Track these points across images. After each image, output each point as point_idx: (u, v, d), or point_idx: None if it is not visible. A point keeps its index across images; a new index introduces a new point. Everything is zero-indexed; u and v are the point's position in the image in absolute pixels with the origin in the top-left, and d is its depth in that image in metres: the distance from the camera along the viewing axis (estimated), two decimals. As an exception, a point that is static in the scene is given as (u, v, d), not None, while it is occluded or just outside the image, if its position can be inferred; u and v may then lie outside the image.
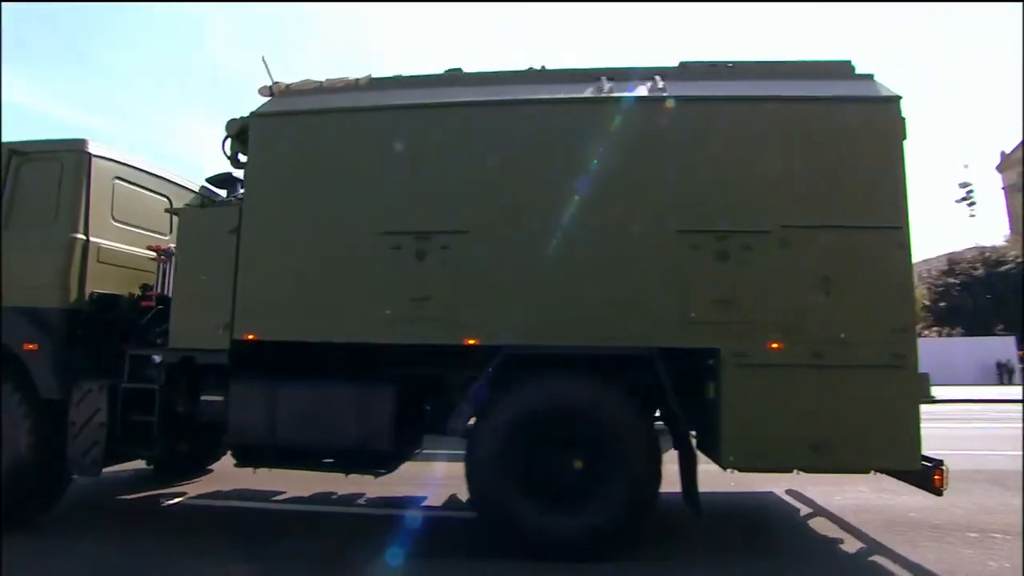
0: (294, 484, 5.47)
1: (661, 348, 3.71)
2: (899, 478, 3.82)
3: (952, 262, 36.39)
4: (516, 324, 3.79)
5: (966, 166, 63.97)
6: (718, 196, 3.80)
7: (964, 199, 32.81)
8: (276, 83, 4.59)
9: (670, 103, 3.91)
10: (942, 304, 34.64)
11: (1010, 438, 8.71)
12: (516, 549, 3.68)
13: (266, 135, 4.25)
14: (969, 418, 12.65)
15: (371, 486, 5.13)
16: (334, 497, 5.31)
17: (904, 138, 3.78)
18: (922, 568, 3.64)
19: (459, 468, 3.89)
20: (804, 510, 4.97)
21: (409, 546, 3.93)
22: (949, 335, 33.39)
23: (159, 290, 4.76)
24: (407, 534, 4.21)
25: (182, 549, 3.96)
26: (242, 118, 4.40)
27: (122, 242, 4.83)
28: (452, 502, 5.05)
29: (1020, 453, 6.70)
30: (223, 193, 5.40)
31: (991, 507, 4.91)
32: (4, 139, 4.69)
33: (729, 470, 3.63)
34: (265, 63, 4.64)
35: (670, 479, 3.80)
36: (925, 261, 51.06)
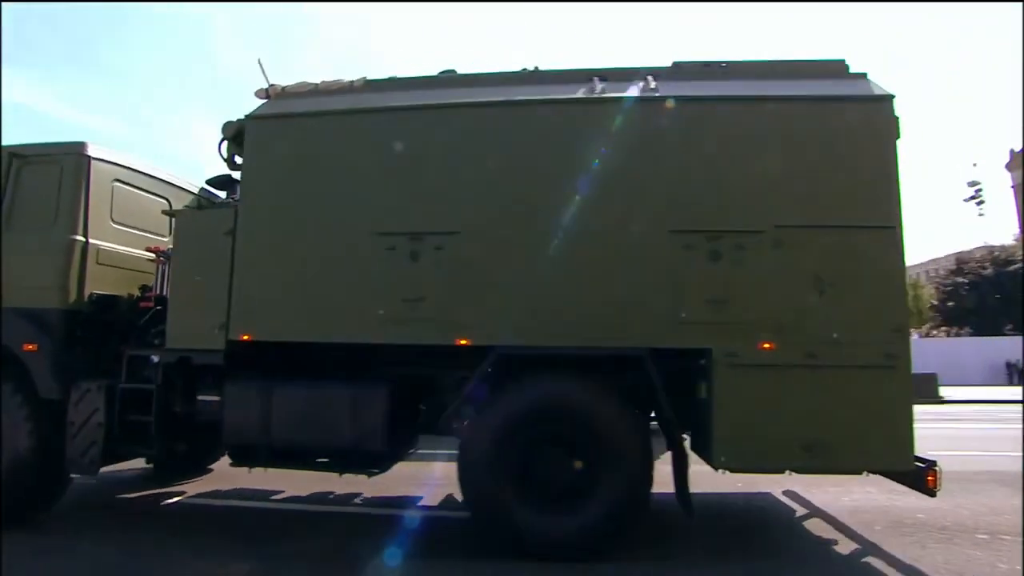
0: (292, 483, 5.51)
1: (653, 348, 3.71)
2: (893, 479, 3.79)
3: (961, 261, 36.07)
4: (508, 324, 3.81)
5: (975, 164, 63.25)
6: (711, 196, 3.79)
7: (973, 198, 32.41)
8: (272, 85, 4.62)
9: (662, 103, 3.91)
10: (950, 304, 34.35)
11: (1019, 439, 8.61)
12: (508, 549, 3.69)
13: (261, 137, 4.28)
14: (977, 419, 12.54)
15: (368, 486, 5.16)
16: (331, 497, 5.34)
17: (898, 137, 3.76)
18: (915, 569, 3.63)
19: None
20: (800, 511, 4.95)
21: (407, 546, 3.95)
22: (957, 335, 33.10)
23: (158, 291, 4.80)
24: (405, 534, 4.23)
25: (181, 548, 4.00)
26: (238, 121, 4.43)
27: (121, 244, 4.89)
28: (449, 502, 5.06)
29: (1021, 454, 6.63)
30: (223, 195, 5.44)
31: (1000, 508, 4.86)
32: (7, 141, 4.76)
33: (721, 471, 3.62)
34: (261, 66, 4.67)
35: (668, 480, 3.81)
36: (933, 260, 50.67)
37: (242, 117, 4.40)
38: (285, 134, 4.28)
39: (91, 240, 4.60)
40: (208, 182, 5.44)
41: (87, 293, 4.55)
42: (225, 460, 4.85)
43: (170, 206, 5.25)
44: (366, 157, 4.12)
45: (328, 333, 4.01)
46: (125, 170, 4.99)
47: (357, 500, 5.29)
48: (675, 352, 3.77)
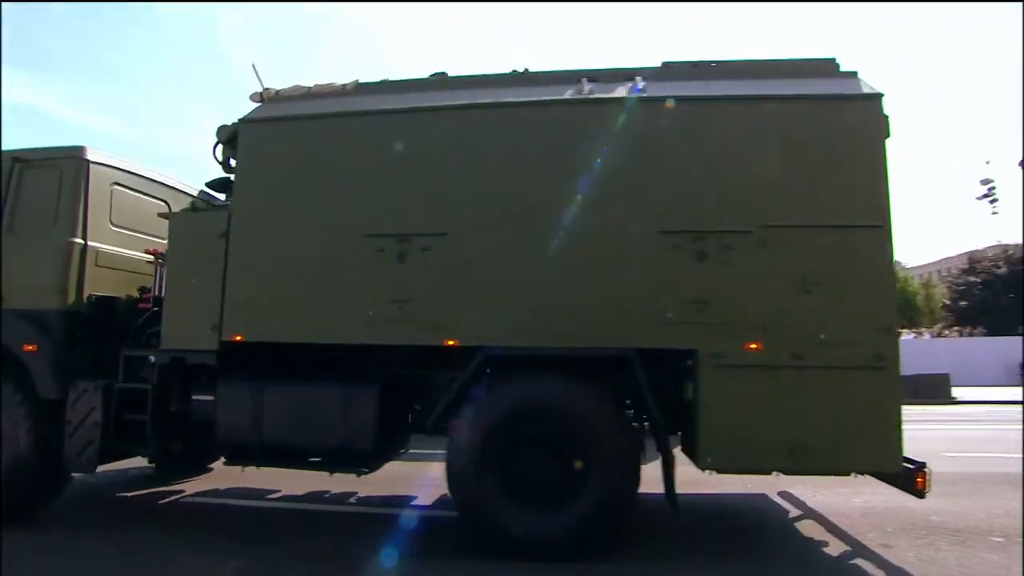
0: (289, 483, 5.57)
1: (641, 349, 3.71)
2: (883, 480, 3.76)
3: (973, 260, 35.49)
4: (495, 325, 3.83)
5: (988, 162, 62.11)
6: (698, 196, 3.79)
7: (986, 196, 31.91)
8: (266, 89, 4.68)
9: (650, 104, 3.91)
10: (963, 303, 33.82)
11: (1028, 440, 8.49)
12: (496, 549, 3.71)
13: (254, 140, 4.34)
14: (991, 420, 12.33)
15: (365, 485, 5.18)
16: (327, 496, 5.40)
17: (887, 136, 3.73)
18: (904, 571, 3.60)
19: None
20: (797, 512, 4.93)
21: (403, 545, 3.97)
22: (970, 335, 32.59)
23: (156, 292, 4.87)
24: (400, 533, 4.26)
25: (179, 547, 4.05)
26: (232, 124, 4.50)
27: (120, 246, 4.97)
28: (444, 502, 5.08)
29: (1021, 455, 6.54)
30: (222, 197, 5.52)
31: (1015, 511, 4.76)
32: (17, 144, 4.86)
33: (708, 471, 3.62)
34: (255, 70, 4.75)
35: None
36: (946, 259, 49.94)
37: (236, 121, 4.46)
38: (277, 137, 4.34)
39: (90, 243, 4.68)
40: (208, 184, 5.50)
41: (86, 295, 4.63)
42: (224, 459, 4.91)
43: (169, 208, 5.33)
44: (356, 160, 4.16)
45: (318, 334, 4.06)
46: (124, 173, 5.08)
47: (352, 500, 5.34)
48: (663, 353, 3.77)
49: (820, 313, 3.58)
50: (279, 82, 4.64)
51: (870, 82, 3.90)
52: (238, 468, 4.38)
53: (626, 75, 4.16)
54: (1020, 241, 33.30)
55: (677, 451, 3.98)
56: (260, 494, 5.48)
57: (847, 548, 4.01)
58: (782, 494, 5.36)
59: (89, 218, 4.70)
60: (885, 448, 3.48)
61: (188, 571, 3.67)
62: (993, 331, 30.17)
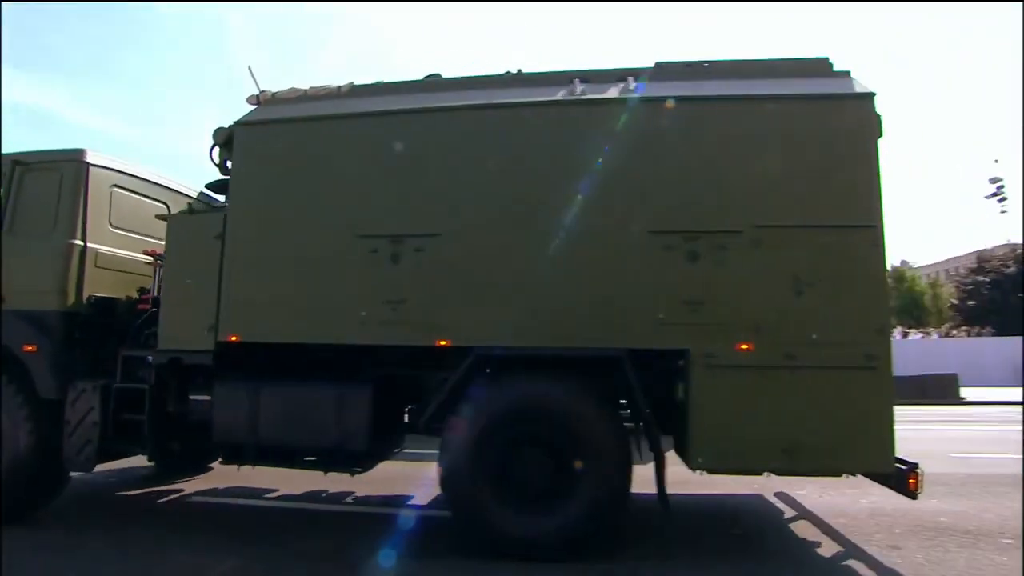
0: (288, 482, 5.61)
1: (633, 349, 3.72)
2: (876, 481, 3.75)
3: (982, 260, 35.17)
4: (486, 326, 3.84)
5: (996, 161, 61.60)
6: (690, 196, 3.79)
7: (995, 194, 31.71)
8: (263, 92, 4.72)
9: (642, 105, 3.92)
10: (971, 303, 33.54)
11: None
12: (489, 548, 3.73)
13: (249, 143, 4.38)
14: (1000, 420, 12.21)
15: (362, 485, 5.23)
16: (324, 495, 5.44)
17: (879, 135, 3.72)
18: (895, 572, 3.58)
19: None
20: (790, 512, 4.92)
21: (400, 544, 3.99)
22: (979, 335, 32.30)
23: (155, 293, 4.92)
24: (397, 532, 4.28)
25: (179, 546, 4.08)
26: (228, 127, 4.54)
27: (120, 247, 5.02)
28: (442, 501, 5.10)
29: (1021, 456, 6.48)
30: (222, 199, 5.56)
31: None
32: (27, 145, 4.93)
33: (699, 472, 3.62)
34: (251, 73, 4.78)
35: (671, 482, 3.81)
36: (953, 259, 49.55)
37: (232, 123, 4.50)
38: (272, 139, 4.37)
39: (90, 244, 4.74)
40: (207, 186, 5.55)
41: (86, 296, 4.68)
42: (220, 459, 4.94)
43: (168, 210, 5.38)
44: (350, 161, 4.19)
45: (312, 334, 4.09)
46: (123, 176, 5.13)
47: (349, 499, 5.37)
48: (656, 353, 3.77)
49: (812, 313, 3.57)
50: (283, 83, 4.67)
51: (863, 81, 3.89)
52: (237, 467, 4.42)
53: (619, 76, 4.17)
54: (1029, 240, 32.99)
55: (672, 452, 3.99)
56: (258, 493, 5.52)
57: (840, 549, 4.00)
58: (779, 495, 5.35)
59: (89, 220, 4.75)
60: (877, 448, 3.47)
61: (187, 570, 3.70)
62: (1002, 331, 29.88)
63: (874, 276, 3.62)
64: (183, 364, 4.30)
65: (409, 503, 5.16)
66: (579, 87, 4.10)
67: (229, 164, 4.59)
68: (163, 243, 5.27)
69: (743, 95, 3.86)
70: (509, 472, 3.78)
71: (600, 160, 3.85)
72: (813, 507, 4.97)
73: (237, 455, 4.30)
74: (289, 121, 4.35)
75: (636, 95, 3.94)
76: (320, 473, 4.45)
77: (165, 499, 5.43)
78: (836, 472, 3.71)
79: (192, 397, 4.37)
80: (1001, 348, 26.10)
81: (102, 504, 5.32)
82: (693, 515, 4.78)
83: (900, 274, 42.43)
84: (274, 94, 4.69)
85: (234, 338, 4.16)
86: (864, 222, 3.62)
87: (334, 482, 4.98)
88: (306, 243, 4.16)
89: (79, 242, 4.67)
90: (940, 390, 18.17)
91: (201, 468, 6.30)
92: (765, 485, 5.35)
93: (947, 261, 51.44)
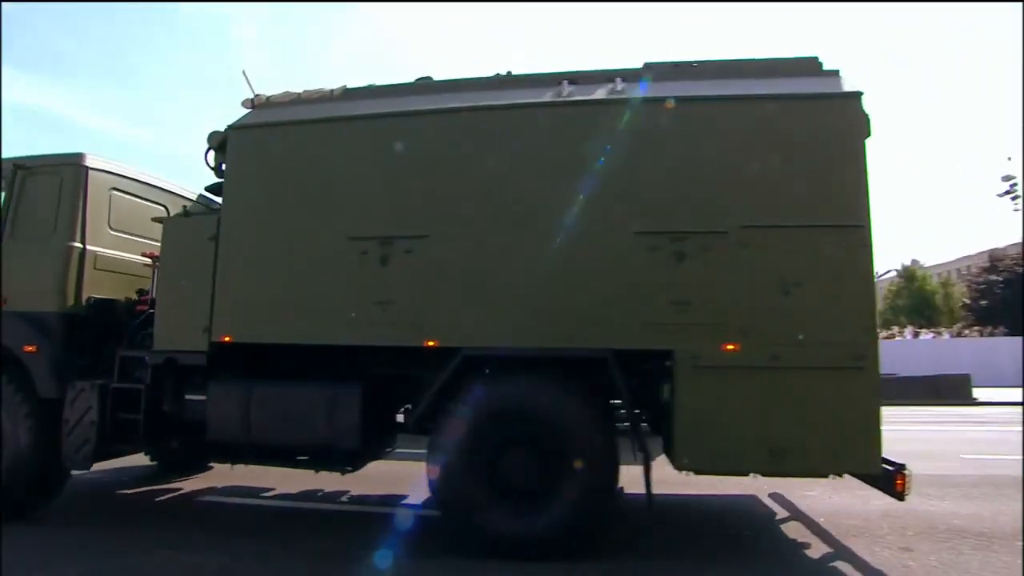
0: (287, 481, 5.67)
1: (619, 350, 3.73)
2: (864, 481, 3.73)
3: (994, 259, 34.69)
4: (474, 326, 3.87)
5: (1009, 158, 60.39)
6: (677, 197, 3.79)
7: (1007, 192, 31.24)
8: (257, 95, 4.78)
9: (630, 105, 3.92)
10: (983, 302, 33.09)
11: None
12: (477, 547, 3.75)
13: (242, 146, 4.44)
14: (1014, 421, 11.99)
15: (359, 484, 5.29)
16: (319, 494, 5.49)
17: (867, 135, 3.70)
18: (882, 573, 3.57)
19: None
20: (781, 513, 4.90)
21: (397, 544, 4.02)
22: (991, 335, 31.85)
23: (153, 295, 5.00)
24: (394, 531, 4.32)
25: (178, 544, 4.13)
26: (223, 131, 4.60)
27: (119, 249, 5.11)
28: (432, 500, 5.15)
29: (1021, 457, 6.40)
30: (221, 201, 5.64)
31: None
32: (33, 148, 5.03)
33: (685, 472, 3.62)
34: (246, 77, 4.83)
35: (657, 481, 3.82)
36: (966, 258, 48.87)
37: (226, 127, 4.56)
38: (264, 143, 4.43)
39: (89, 247, 4.82)
40: (207, 189, 5.63)
41: (85, 297, 4.77)
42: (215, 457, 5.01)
43: (168, 212, 5.46)
44: (340, 164, 4.24)
45: (304, 335, 4.14)
46: (122, 179, 5.22)
47: (344, 498, 5.42)
48: (643, 354, 3.78)
49: (799, 314, 3.56)
50: (286, 84, 4.73)
51: (852, 81, 3.87)
52: (238, 466, 4.47)
53: (607, 76, 4.18)
54: (1042, 238, 32.45)
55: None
56: (255, 492, 5.59)
57: (829, 550, 3.99)
58: (773, 496, 5.33)
59: (88, 223, 4.84)
60: (864, 449, 3.45)
61: (186, 568, 3.75)
62: (1015, 331, 29.46)
63: (861, 276, 3.60)
64: (178, 364, 4.36)
65: (405, 503, 5.19)
66: (567, 88, 4.11)
67: (224, 167, 4.66)
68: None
69: (730, 95, 3.86)
70: (497, 472, 3.80)
71: (587, 161, 3.87)
72: (822, 509, 4.92)
73: (230, 454, 4.36)
74: (281, 125, 4.40)
75: (624, 96, 3.95)
76: (318, 472, 4.51)
77: (164, 497, 5.51)
78: (823, 473, 3.70)
79: (187, 397, 4.44)
80: (1015, 348, 25.62)
81: (102, 502, 5.40)
82: (695, 516, 4.80)
83: (911, 273, 41.95)
84: (268, 98, 4.76)
85: (227, 339, 4.22)
86: (852, 222, 3.60)
87: (330, 481, 5.03)
88: (298, 245, 4.21)
89: (78, 244, 4.75)
90: (952, 390, 17.94)
91: (201, 467, 6.37)
92: (772, 486, 5.33)
93: (959, 260, 50.77)
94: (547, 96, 4.09)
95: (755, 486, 5.19)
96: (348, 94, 4.58)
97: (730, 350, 3.57)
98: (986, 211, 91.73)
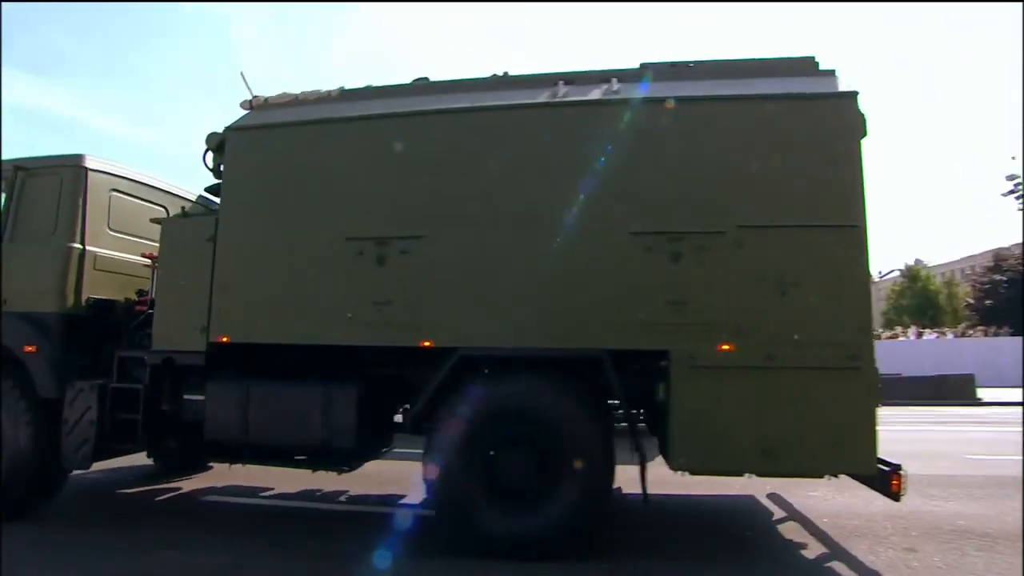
0: (285, 481, 5.69)
1: (615, 350, 3.73)
2: (860, 481, 3.73)
3: (999, 258, 34.56)
4: (469, 326, 3.88)
5: (1013, 158, 60.17)
6: (673, 197, 3.79)
7: (1011, 192, 31.18)
8: (255, 97, 4.80)
9: (625, 106, 3.93)
10: (988, 302, 32.96)
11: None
12: (472, 547, 3.75)
13: (240, 147, 4.46)
14: (1018, 422, 11.96)
15: (357, 484, 5.31)
16: (318, 494, 5.51)
17: (863, 135, 3.70)
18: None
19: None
20: (778, 513, 4.89)
21: (396, 543, 4.03)
22: (996, 335, 31.71)
23: (153, 295, 5.03)
24: (394, 531, 4.33)
25: (177, 543, 4.15)
26: (221, 132, 4.62)
27: (119, 250, 5.13)
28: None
29: (1021, 458, 6.37)
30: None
31: None
32: (48, 151, 5.05)
33: (680, 472, 3.62)
34: (244, 78, 4.85)
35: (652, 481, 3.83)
36: (970, 257, 48.67)
37: (224, 128, 4.59)
38: (261, 144, 4.45)
39: (89, 247, 4.85)
40: (207, 189, 5.66)
41: (85, 298, 4.80)
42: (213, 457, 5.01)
43: (167, 213, 5.49)
44: (336, 164, 4.25)
45: (301, 335, 4.15)
46: (122, 180, 5.25)
47: (342, 498, 5.44)
48: (639, 354, 3.78)
49: (795, 314, 3.56)
50: (287, 84, 4.75)
51: (848, 80, 3.87)
52: (238, 465, 4.49)
53: (603, 77, 4.19)
54: (1047, 238, 32.30)
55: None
56: (254, 492, 5.61)
57: (829, 551, 3.97)
58: (773, 496, 5.32)
59: (88, 224, 4.87)
60: (860, 450, 3.45)
61: (186, 568, 3.74)
62: (1020, 330, 29.31)
63: (857, 276, 3.60)
64: (176, 364, 4.38)
65: (405, 502, 5.20)
66: (563, 89, 4.12)
67: (222, 168, 4.68)
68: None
69: (725, 95, 3.86)
70: (493, 471, 3.80)
71: (582, 161, 3.87)
72: (825, 510, 4.90)
73: (228, 453, 4.38)
74: (278, 126, 4.42)
75: (619, 97, 3.96)
76: (317, 472, 4.52)
77: (164, 497, 5.53)
78: (818, 474, 3.69)
79: (186, 397, 4.46)
80: (1019, 348, 25.56)
81: (103, 502, 5.43)
82: (695, 516, 4.81)
83: (914, 273, 41.82)
84: (266, 99, 4.78)
85: (225, 339, 4.23)
86: (848, 222, 3.60)
87: (329, 481, 5.04)
88: (295, 246, 4.22)
89: (78, 245, 4.78)
90: (956, 390, 17.85)
91: (201, 467, 6.40)
92: (775, 487, 5.33)
93: (963, 260, 50.55)
94: (543, 97, 4.10)
95: (758, 487, 5.21)
96: (345, 95, 4.60)
97: (726, 350, 3.57)
98: (991, 210, 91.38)
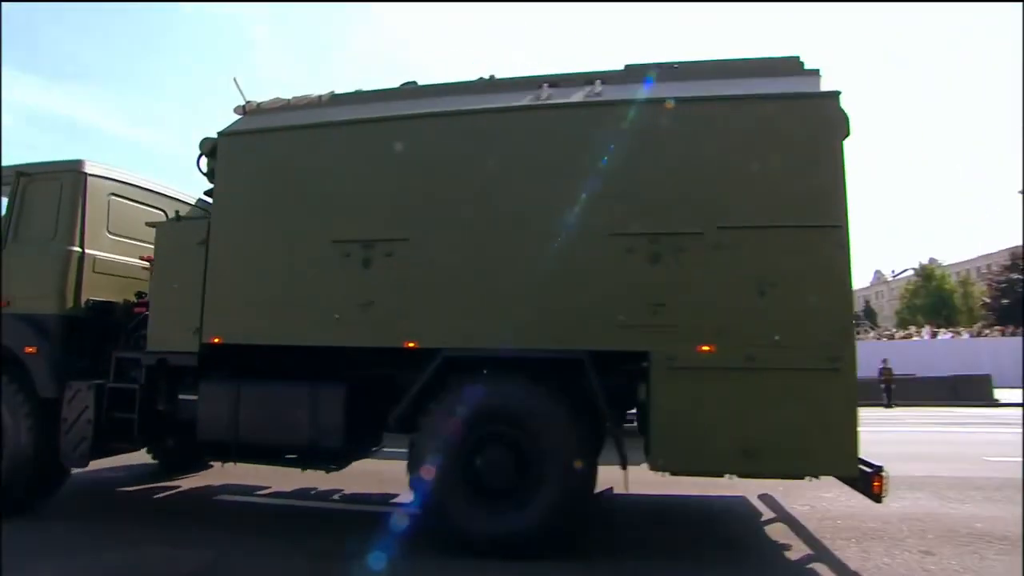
0: (285, 480, 5.77)
1: (596, 351, 3.75)
2: (844, 482, 3.71)
3: (1016, 257, 33.91)
4: (452, 328, 3.92)
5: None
6: (653, 198, 3.80)
7: (1028, 189, 30.54)
8: (248, 102, 4.89)
9: (608, 108, 3.95)
10: (1004, 301, 32.38)
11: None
12: (457, 546, 3.79)
13: (232, 152, 4.54)
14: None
15: (356, 483, 5.38)
16: (312, 492, 5.59)
17: (845, 135, 3.68)
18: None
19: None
20: (768, 515, 4.86)
21: (391, 542, 4.03)
22: (1013, 335, 31.12)
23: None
24: (388, 529, 4.34)
25: (176, 542, 4.20)
26: (214, 137, 4.71)
27: (118, 253, 5.25)
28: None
29: (1021, 458, 6.27)
30: None
31: None
32: (48, 151, 5.20)
33: (660, 473, 3.63)
34: (237, 83, 4.94)
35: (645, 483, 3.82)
36: (985, 256, 47.78)
37: (217, 133, 4.68)
38: (253, 149, 4.53)
39: (88, 251, 4.97)
40: (206, 193, 5.77)
41: (84, 300, 4.92)
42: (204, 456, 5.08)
43: (166, 217, 5.60)
44: (324, 168, 4.32)
45: (290, 336, 4.23)
46: (121, 184, 5.37)
47: (335, 496, 5.51)
48: (620, 355, 3.79)
49: (775, 315, 3.55)
50: (291, 85, 4.83)
51: (831, 80, 3.85)
52: (222, 464, 4.56)
53: (587, 79, 4.21)
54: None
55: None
56: (252, 490, 5.69)
57: (809, 551, 3.96)
58: (762, 497, 5.30)
59: (87, 227, 4.99)
60: (841, 451, 3.43)
61: (183, 564, 3.79)
62: (1037, 330, 28.79)
63: (839, 277, 3.58)
64: (171, 365, 4.48)
65: (399, 501, 5.24)
66: (546, 91, 4.15)
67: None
68: (158, 249, 5.51)
69: (707, 95, 3.86)
70: (476, 472, 3.84)
71: (564, 164, 3.90)
72: (840, 511, 4.82)
73: (220, 452, 4.46)
74: (268, 131, 4.50)
75: (601, 99, 3.98)
76: (316, 472, 4.55)
77: (163, 495, 5.64)
78: (799, 475, 3.67)
79: (181, 397, 4.55)
80: (1037, 348, 25.07)
81: (102, 499, 5.54)
82: (696, 516, 4.80)
83: (928, 272, 41.19)
84: (259, 104, 4.86)
85: (217, 340, 4.32)
86: (829, 222, 3.59)
87: (325, 480, 5.09)
88: (284, 249, 4.30)
89: (78, 249, 4.90)
90: (972, 391, 17.52)
91: (201, 465, 6.49)
92: (785, 487, 5.28)
93: (979, 259, 49.65)
94: (527, 100, 4.13)
95: (765, 487, 5.16)
96: (335, 100, 4.67)
97: (706, 351, 3.58)
98: (1008, 209, 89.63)
